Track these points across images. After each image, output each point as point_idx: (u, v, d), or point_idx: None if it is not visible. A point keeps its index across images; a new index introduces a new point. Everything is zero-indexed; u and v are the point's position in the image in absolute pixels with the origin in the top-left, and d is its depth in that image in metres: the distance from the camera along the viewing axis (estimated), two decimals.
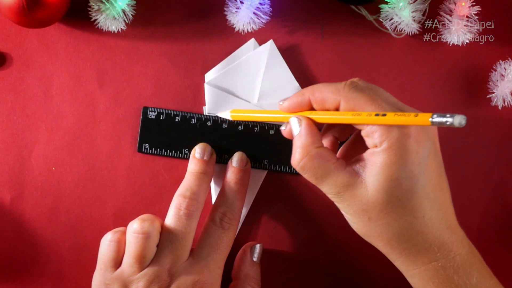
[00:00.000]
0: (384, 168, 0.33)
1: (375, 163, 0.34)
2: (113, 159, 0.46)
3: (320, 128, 0.39)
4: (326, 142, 0.40)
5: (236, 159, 0.45)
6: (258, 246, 0.45)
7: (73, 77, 0.46)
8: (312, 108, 0.37)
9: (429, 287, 0.35)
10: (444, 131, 0.45)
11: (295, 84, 0.46)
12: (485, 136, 0.46)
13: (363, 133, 0.35)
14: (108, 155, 0.46)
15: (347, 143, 0.40)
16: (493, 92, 0.45)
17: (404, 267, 0.36)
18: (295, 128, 0.37)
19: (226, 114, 0.44)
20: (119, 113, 0.46)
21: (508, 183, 0.47)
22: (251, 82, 0.46)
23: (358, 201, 0.34)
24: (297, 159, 0.36)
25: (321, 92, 0.36)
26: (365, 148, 0.35)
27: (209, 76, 0.46)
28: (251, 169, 0.46)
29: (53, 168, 0.46)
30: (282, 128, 0.38)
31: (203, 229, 0.42)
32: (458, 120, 0.29)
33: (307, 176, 0.36)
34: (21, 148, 0.46)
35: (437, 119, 0.30)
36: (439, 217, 0.34)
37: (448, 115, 0.30)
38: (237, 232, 0.45)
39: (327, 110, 0.36)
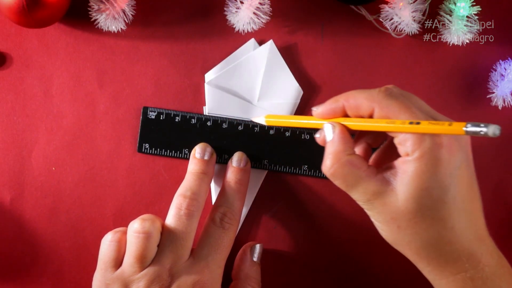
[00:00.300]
0: (415, 177, 0.33)
1: (406, 172, 0.33)
2: (113, 159, 0.46)
3: (353, 134, 0.39)
4: (359, 148, 0.40)
5: (236, 159, 0.45)
6: (258, 246, 0.45)
7: (73, 77, 0.46)
8: (346, 115, 0.37)
9: None
10: None
11: (295, 84, 0.46)
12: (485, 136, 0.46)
13: (395, 141, 0.35)
14: (108, 155, 0.46)
15: (380, 149, 0.40)
16: (493, 92, 0.45)
17: (431, 277, 0.36)
18: (329, 134, 0.36)
19: (261, 119, 0.44)
20: (119, 113, 0.46)
21: (508, 183, 0.47)
22: (251, 82, 0.46)
23: (388, 209, 0.34)
24: (328, 165, 0.36)
25: (355, 99, 0.36)
26: (398, 155, 0.35)
27: (209, 76, 0.46)
28: (251, 169, 0.46)
29: (53, 168, 0.46)
30: (317, 135, 0.38)
31: (203, 229, 0.42)
32: (492, 130, 0.29)
33: (337, 183, 0.36)
34: (21, 148, 0.46)
35: (471, 128, 0.30)
36: (468, 228, 0.34)
37: (482, 125, 0.30)
38: (237, 232, 0.45)
39: (361, 116, 0.36)
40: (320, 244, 0.47)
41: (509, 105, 0.45)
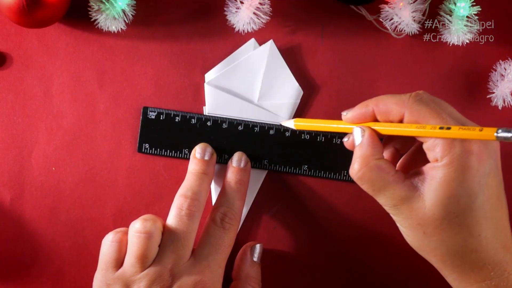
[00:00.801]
0: (443, 184, 0.33)
1: (434, 178, 0.33)
2: (113, 159, 0.46)
3: (381, 139, 0.39)
4: (386, 153, 0.40)
5: (236, 159, 0.45)
6: (258, 246, 0.45)
7: (73, 77, 0.46)
8: (375, 119, 0.37)
9: None
10: None
11: (295, 84, 0.46)
12: None
13: (425, 146, 0.35)
14: (108, 155, 0.46)
15: (407, 154, 0.40)
16: (493, 92, 0.45)
17: (456, 284, 0.36)
18: (357, 138, 0.37)
19: (290, 123, 0.44)
20: (119, 113, 0.46)
21: (508, 183, 0.46)
22: (251, 82, 0.46)
23: (414, 215, 0.34)
24: (355, 169, 0.36)
25: (385, 104, 0.36)
26: (426, 161, 0.35)
27: (209, 76, 0.46)
28: (251, 169, 0.46)
29: (53, 168, 0.46)
30: (345, 139, 0.38)
31: (204, 230, 0.42)
32: None
33: (364, 187, 0.36)
34: (21, 148, 0.46)
35: (502, 134, 0.30)
36: (495, 236, 0.34)
37: None
38: (237, 231, 0.45)
39: (391, 121, 0.36)
40: (320, 244, 0.47)
41: (509, 105, 0.45)
